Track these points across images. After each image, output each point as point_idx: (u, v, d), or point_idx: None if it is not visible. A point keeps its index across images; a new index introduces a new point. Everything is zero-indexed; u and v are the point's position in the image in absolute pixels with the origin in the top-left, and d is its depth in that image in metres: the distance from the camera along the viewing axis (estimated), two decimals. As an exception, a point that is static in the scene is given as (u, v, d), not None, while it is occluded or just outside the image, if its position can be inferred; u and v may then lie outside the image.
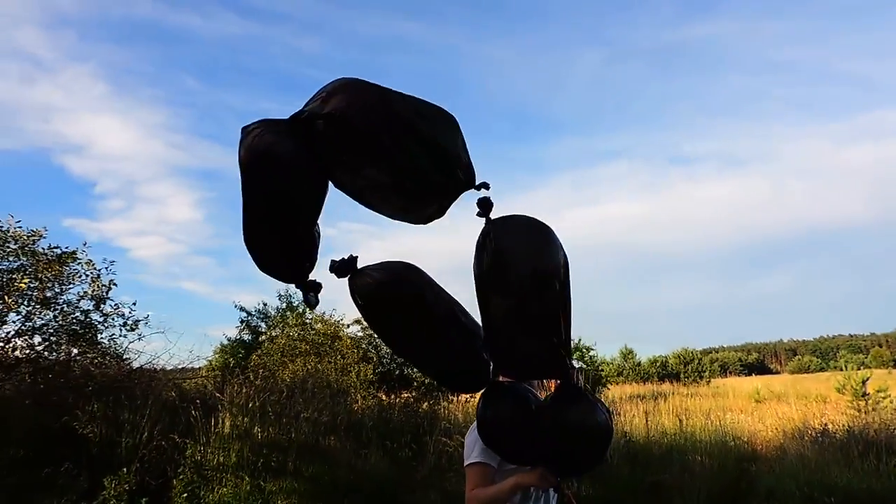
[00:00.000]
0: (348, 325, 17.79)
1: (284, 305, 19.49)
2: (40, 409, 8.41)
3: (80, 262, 7.92)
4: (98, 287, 7.96)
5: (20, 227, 7.75)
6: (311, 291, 2.20)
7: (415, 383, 17.47)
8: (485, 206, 2.26)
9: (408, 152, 1.98)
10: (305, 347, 16.36)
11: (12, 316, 7.58)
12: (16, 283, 7.23)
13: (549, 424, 2.45)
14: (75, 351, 8.47)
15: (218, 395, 9.55)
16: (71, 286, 7.96)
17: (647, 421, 10.57)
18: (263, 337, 18.98)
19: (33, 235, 7.67)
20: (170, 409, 9.44)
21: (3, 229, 7.72)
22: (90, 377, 8.67)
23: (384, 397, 15.84)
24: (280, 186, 1.91)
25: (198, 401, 9.06)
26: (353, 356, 15.84)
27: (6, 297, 7.20)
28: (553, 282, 2.23)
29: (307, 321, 17.53)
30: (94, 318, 8.33)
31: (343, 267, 2.26)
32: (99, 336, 8.56)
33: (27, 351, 8.00)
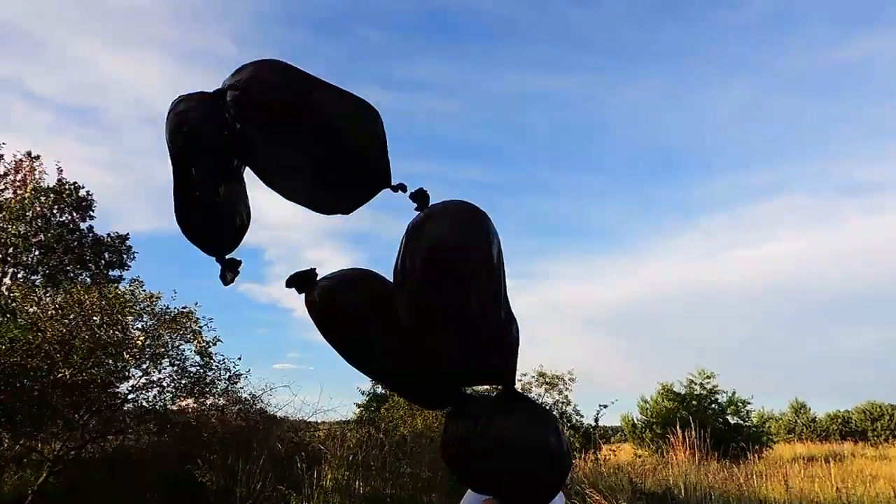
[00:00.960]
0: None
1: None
2: (165, 458, 9.13)
3: (191, 320, 8.62)
4: (201, 341, 8.59)
5: (145, 290, 8.65)
6: (228, 268, 2.19)
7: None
8: (421, 198, 2.10)
9: (311, 136, 1.98)
10: (430, 400, 16.34)
11: (135, 371, 8.38)
12: (135, 340, 8.01)
13: (479, 440, 2.12)
14: (192, 402, 9.12)
15: (322, 448, 9.79)
16: (184, 343, 8.66)
17: (787, 485, 9.15)
18: (395, 390, 19.35)
19: (153, 297, 8.52)
20: (282, 460, 9.83)
21: (132, 292, 8.65)
22: (209, 428, 9.30)
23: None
24: (189, 151, 2.00)
25: (303, 453, 9.35)
26: (477, 409, 15.58)
27: (125, 354, 7.98)
28: (452, 265, 1.98)
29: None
30: (207, 373, 8.96)
31: (301, 279, 2.18)
32: (214, 389, 9.17)
33: (152, 403, 8.75)
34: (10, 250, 16.52)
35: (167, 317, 8.58)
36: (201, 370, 8.80)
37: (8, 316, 8.29)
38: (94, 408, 8.03)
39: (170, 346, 8.47)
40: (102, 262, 18.80)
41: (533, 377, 17.78)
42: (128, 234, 19.25)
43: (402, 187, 2.09)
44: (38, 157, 18.09)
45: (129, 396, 8.50)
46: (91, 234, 18.61)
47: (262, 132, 2.01)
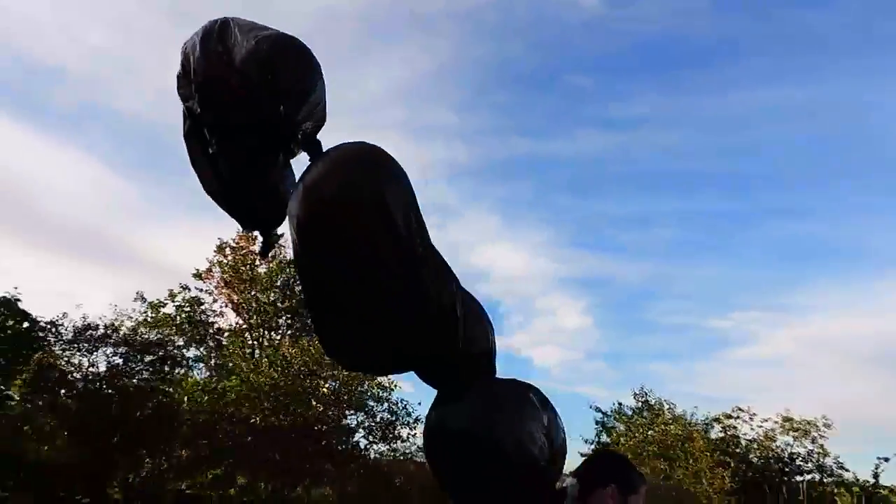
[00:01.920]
0: (706, 424, 15.92)
1: (640, 404, 18.56)
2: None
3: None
4: (374, 386, 8.94)
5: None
6: (267, 237, 2.18)
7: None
8: (309, 145, 1.82)
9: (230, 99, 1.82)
10: (653, 450, 15.14)
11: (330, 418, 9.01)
12: (321, 389, 8.66)
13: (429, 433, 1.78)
14: (383, 447, 9.50)
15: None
16: (374, 390, 9.13)
17: None
18: (622, 438, 18.21)
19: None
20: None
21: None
22: (402, 473, 9.57)
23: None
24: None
25: None
26: (707, 461, 13.97)
27: (313, 402, 8.64)
28: (331, 221, 1.63)
29: (658, 415, 16.31)
30: (394, 419, 9.31)
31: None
32: (404, 433, 9.50)
33: (346, 448, 9.31)
34: (264, 317, 19.24)
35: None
36: (388, 416, 9.18)
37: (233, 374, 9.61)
38: (291, 452, 8.78)
39: (365, 394, 8.99)
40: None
41: (776, 422, 15.41)
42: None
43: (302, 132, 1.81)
44: (281, 236, 20.98)
45: (324, 442, 9.15)
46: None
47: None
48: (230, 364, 13.74)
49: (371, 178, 1.68)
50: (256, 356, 10.21)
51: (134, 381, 11.55)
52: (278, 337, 19.58)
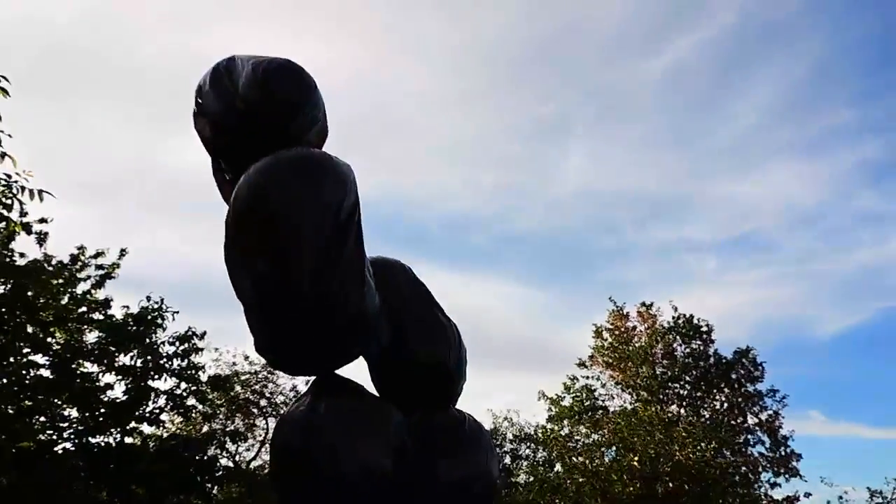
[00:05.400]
0: None
1: None
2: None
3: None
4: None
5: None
6: None
7: None
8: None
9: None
10: None
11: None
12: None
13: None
14: None
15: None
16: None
17: None
18: None
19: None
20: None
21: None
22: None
23: None
24: None
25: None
26: None
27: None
28: (242, 228, 1.73)
29: None
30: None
31: None
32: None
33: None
34: (651, 391, 18.77)
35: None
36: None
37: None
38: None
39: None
40: (733, 379, 19.14)
41: None
42: (747, 346, 19.36)
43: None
44: (650, 305, 20.54)
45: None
46: (713, 356, 19.42)
47: None
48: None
49: (283, 183, 1.72)
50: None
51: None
52: (675, 408, 18.83)
